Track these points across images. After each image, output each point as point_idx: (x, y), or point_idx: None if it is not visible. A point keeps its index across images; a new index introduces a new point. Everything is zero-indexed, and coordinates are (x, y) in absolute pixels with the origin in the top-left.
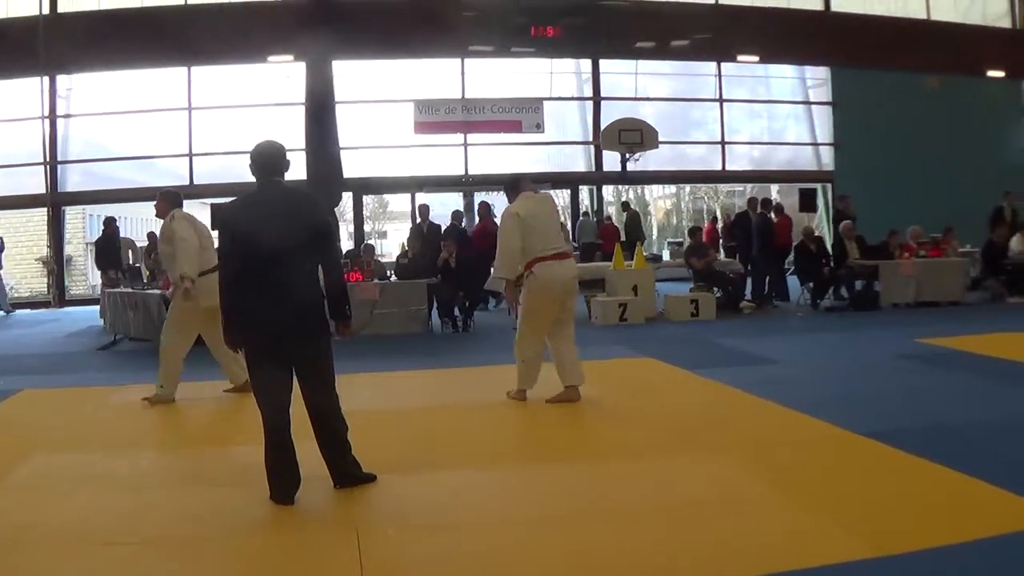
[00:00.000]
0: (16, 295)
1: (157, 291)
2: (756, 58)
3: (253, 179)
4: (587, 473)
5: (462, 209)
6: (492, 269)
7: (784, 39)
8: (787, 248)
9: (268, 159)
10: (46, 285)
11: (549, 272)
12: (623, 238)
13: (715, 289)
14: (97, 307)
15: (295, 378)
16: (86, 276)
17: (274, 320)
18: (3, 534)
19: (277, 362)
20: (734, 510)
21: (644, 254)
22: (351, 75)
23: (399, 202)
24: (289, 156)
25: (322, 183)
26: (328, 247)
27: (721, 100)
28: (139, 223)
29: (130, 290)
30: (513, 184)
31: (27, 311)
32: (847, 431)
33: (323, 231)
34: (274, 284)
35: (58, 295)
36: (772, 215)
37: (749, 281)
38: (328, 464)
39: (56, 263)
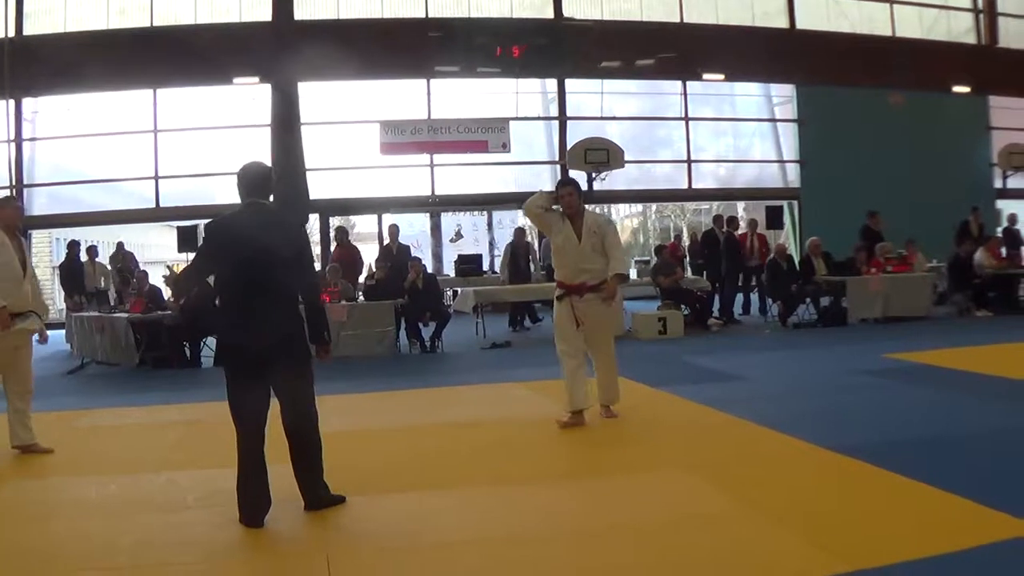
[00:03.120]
0: None
1: (124, 314)
2: (721, 76)
3: (219, 201)
4: (555, 493)
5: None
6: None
7: (749, 57)
8: (761, 266)
9: (254, 179)
10: None
11: None
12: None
13: (683, 307)
14: (63, 331)
15: (273, 398)
16: (53, 300)
17: (256, 340)
18: None
19: (257, 382)
20: (703, 527)
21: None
22: (317, 96)
23: (365, 223)
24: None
25: (288, 204)
26: (308, 269)
27: (687, 119)
28: (108, 246)
29: (97, 314)
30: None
31: None
32: (816, 446)
33: (304, 253)
34: (257, 304)
35: None
36: (747, 232)
37: (716, 298)
38: (300, 486)
39: None
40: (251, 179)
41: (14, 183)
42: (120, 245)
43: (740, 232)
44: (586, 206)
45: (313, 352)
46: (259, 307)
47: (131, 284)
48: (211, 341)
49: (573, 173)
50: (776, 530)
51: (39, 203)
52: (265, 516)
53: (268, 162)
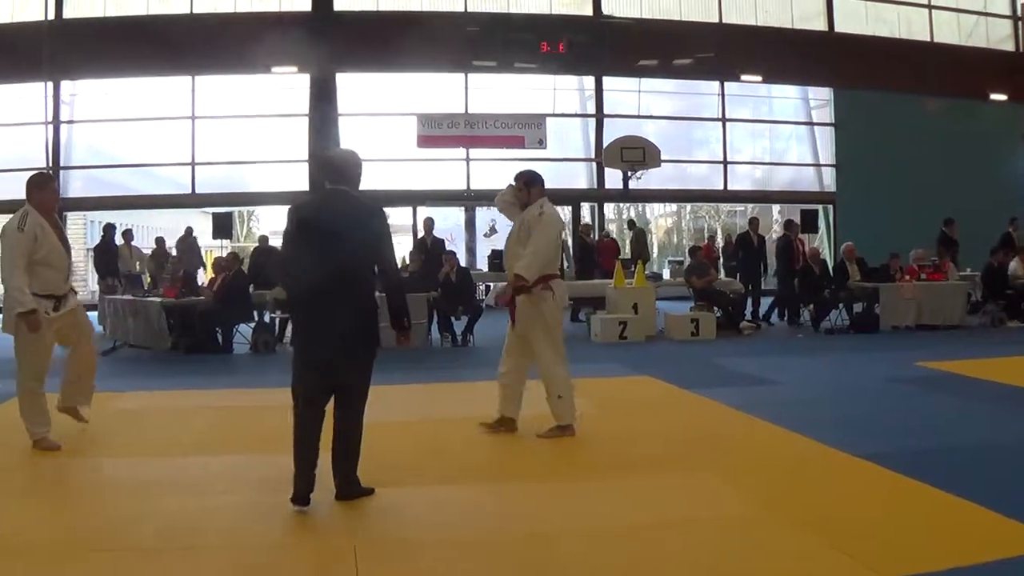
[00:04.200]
0: None
1: (158, 299)
2: (759, 78)
3: (254, 189)
4: (579, 490)
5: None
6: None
7: (787, 59)
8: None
9: (340, 165)
10: None
11: (562, 289)
12: (624, 256)
13: (715, 309)
14: (96, 313)
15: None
16: (86, 282)
17: (325, 331)
18: None
19: (322, 367)
20: (727, 530)
21: (645, 272)
22: (354, 87)
23: (400, 215)
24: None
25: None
26: (388, 256)
27: (724, 119)
28: (143, 230)
29: (131, 297)
30: (536, 181)
31: None
32: (844, 452)
33: (384, 239)
34: (333, 289)
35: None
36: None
37: (749, 301)
38: (335, 474)
39: None
40: (339, 165)
41: (50, 165)
42: (160, 240)
43: (779, 236)
44: (543, 201)
45: (393, 340)
46: (335, 291)
47: (165, 268)
48: (244, 328)
49: (609, 171)
50: (801, 535)
51: (75, 186)
52: (310, 495)
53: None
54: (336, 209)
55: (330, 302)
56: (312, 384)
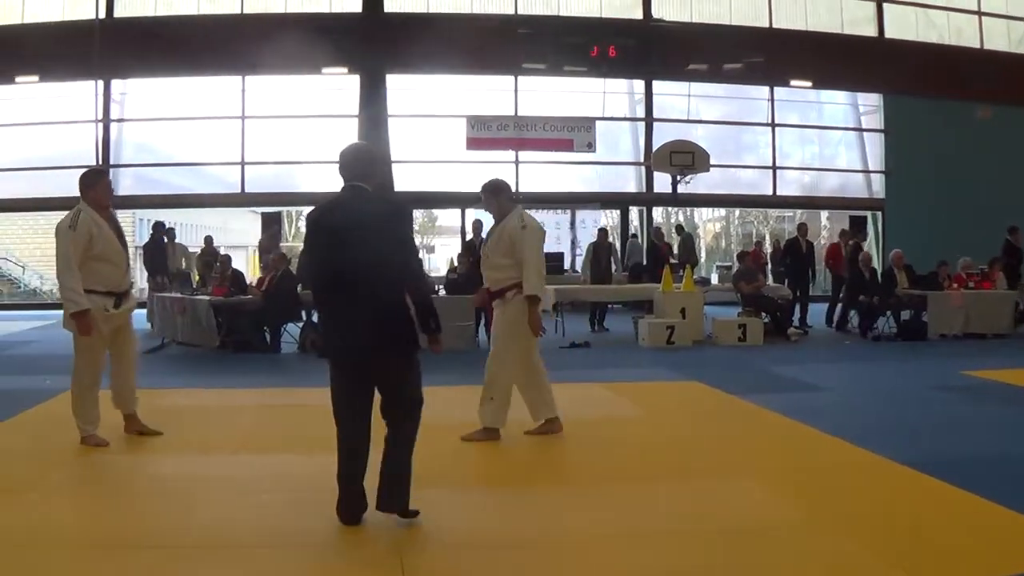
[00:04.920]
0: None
1: (206, 297)
2: (809, 83)
3: (303, 189)
4: (624, 495)
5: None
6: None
7: (837, 64)
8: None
9: (353, 161)
10: None
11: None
12: (674, 260)
13: (763, 314)
14: (144, 310)
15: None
16: (134, 280)
17: (356, 333)
18: (40, 535)
19: (357, 377)
20: (773, 537)
21: (693, 277)
22: (404, 89)
23: (448, 217)
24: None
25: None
26: (411, 256)
27: (773, 124)
28: (191, 228)
29: (179, 295)
30: (501, 189)
31: None
32: (890, 460)
33: (406, 239)
34: (357, 294)
35: None
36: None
37: (797, 307)
38: (381, 485)
39: None
40: (349, 161)
41: (100, 163)
42: (208, 240)
43: (833, 242)
44: (522, 213)
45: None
46: (359, 297)
47: (214, 268)
48: (292, 328)
49: (658, 175)
50: (845, 543)
51: (124, 183)
52: (362, 516)
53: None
54: (349, 207)
55: (348, 302)
56: (343, 388)
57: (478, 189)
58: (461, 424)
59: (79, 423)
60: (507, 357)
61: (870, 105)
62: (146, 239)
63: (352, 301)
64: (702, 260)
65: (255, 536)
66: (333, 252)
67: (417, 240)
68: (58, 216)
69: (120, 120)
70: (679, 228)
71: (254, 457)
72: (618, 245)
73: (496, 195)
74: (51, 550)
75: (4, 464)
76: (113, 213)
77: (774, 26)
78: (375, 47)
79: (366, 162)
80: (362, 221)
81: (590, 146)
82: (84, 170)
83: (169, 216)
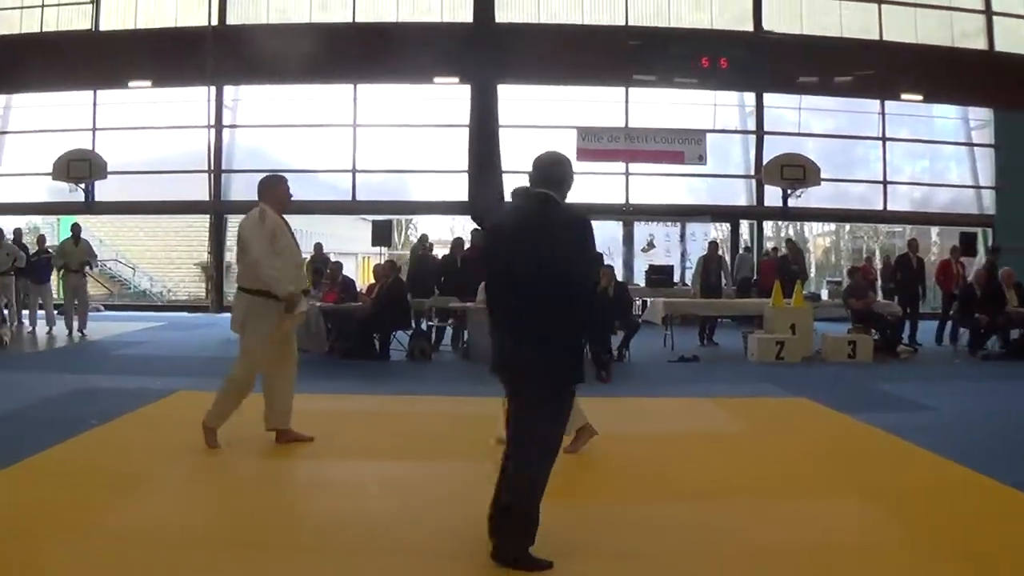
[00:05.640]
0: (174, 298)
1: (317, 302)
2: (919, 97)
3: (414, 198)
4: (728, 510)
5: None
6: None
7: (947, 78)
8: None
9: (539, 169)
10: (204, 290)
11: None
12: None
13: (873, 331)
14: None
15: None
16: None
17: (507, 352)
18: (146, 534)
19: (514, 396)
20: (876, 557)
21: (803, 293)
22: (515, 99)
23: None
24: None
25: (483, 206)
26: (581, 272)
27: (884, 139)
28: (301, 235)
29: None
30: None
31: (184, 315)
32: (998, 482)
33: (576, 256)
34: (513, 309)
35: (216, 301)
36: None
37: (906, 324)
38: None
39: (215, 269)
40: (544, 166)
41: (212, 168)
42: (318, 246)
43: (943, 259)
44: None
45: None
46: (515, 312)
47: (324, 274)
48: (401, 335)
49: (769, 188)
50: (948, 567)
51: (235, 189)
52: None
53: (460, 164)
54: (524, 211)
55: (514, 312)
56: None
57: (588, 200)
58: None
59: (211, 413)
60: None
61: (980, 120)
62: None
63: (509, 316)
64: (812, 275)
65: (364, 539)
66: (504, 256)
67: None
68: (171, 219)
69: (232, 126)
70: (789, 242)
71: (362, 463)
72: (728, 259)
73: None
74: (170, 549)
75: (117, 461)
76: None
77: (884, 39)
78: (486, 57)
79: (559, 170)
80: (534, 230)
81: (701, 159)
82: (265, 174)
83: None
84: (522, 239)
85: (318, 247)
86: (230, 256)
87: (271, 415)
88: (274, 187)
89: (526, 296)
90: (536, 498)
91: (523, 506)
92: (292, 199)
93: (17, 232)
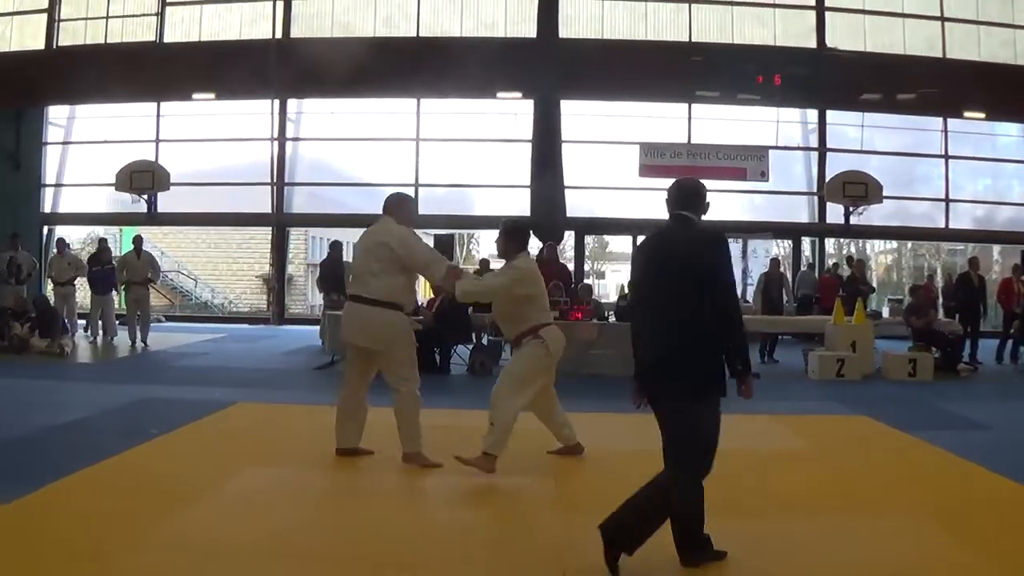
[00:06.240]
0: (235, 310)
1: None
2: (982, 115)
3: (477, 212)
4: (790, 528)
5: None
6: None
7: (1010, 96)
8: None
9: (676, 193)
10: (266, 302)
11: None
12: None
13: (933, 349)
14: (316, 327)
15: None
16: (305, 296)
17: (644, 362)
18: (205, 546)
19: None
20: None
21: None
22: (577, 114)
23: (620, 243)
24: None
25: (544, 220)
26: (720, 292)
27: (947, 156)
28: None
29: None
30: (518, 233)
31: (246, 327)
32: None
33: (715, 274)
34: (651, 322)
35: (277, 313)
36: (1011, 277)
37: (967, 342)
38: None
39: (278, 282)
40: (680, 190)
41: (275, 180)
42: None
43: (1005, 277)
44: (523, 254)
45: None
46: (653, 325)
47: None
48: (463, 349)
49: (831, 205)
50: None
51: (297, 201)
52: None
53: (522, 178)
54: (668, 233)
55: (652, 325)
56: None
57: (650, 216)
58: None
59: (414, 438)
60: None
61: None
62: (319, 257)
63: (647, 327)
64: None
65: (424, 549)
66: (644, 275)
67: (588, 266)
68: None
69: (295, 139)
70: (849, 260)
71: (417, 476)
72: (789, 275)
73: (508, 238)
74: (216, 559)
75: (176, 472)
76: None
77: (948, 56)
78: (549, 72)
79: (693, 193)
80: (674, 248)
81: (763, 175)
82: (391, 192)
83: (340, 235)
84: (671, 256)
85: None
86: (291, 269)
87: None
88: (397, 207)
89: (679, 309)
90: (701, 496)
91: (694, 507)
92: (417, 215)
93: (103, 242)
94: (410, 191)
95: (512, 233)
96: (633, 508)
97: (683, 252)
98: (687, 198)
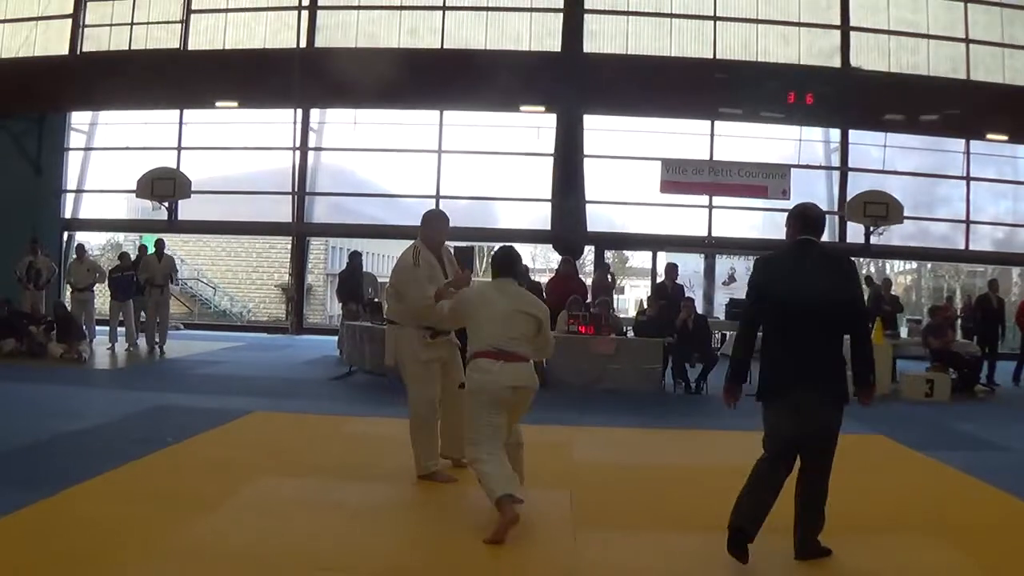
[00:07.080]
0: (253, 319)
1: None
2: (1004, 137)
3: (499, 225)
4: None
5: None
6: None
7: None
8: None
9: (805, 218)
10: (284, 312)
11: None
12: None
13: (951, 370)
14: (335, 337)
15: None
16: (324, 306)
17: (793, 386)
18: (218, 554)
19: (791, 423)
20: None
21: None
22: (600, 129)
23: (639, 259)
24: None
25: (565, 234)
26: (859, 318)
27: (968, 178)
28: (380, 258)
29: (369, 324)
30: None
31: (264, 335)
32: None
33: (855, 300)
34: (801, 349)
35: (296, 322)
36: None
37: (984, 364)
38: (795, 535)
39: (297, 291)
40: (803, 217)
41: (295, 189)
42: None
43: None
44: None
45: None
46: (801, 352)
47: None
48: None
49: (851, 225)
50: None
51: (318, 211)
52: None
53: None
54: (807, 261)
55: (804, 350)
56: (782, 428)
57: (670, 232)
58: (636, 465)
59: (418, 459)
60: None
61: None
62: (338, 267)
63: (795, 346)
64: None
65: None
66: (775, 302)
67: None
68: (253, 239)
69: (317, 148)
70: (868, 280)
71: (431, 488)
72: None
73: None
74: (229, 568)
75: (192, 479)
76: (447, 247)
77: (972, 78)
78: (573, 86)
79: (819, 219)
80: (810, 276)
81: (784, 193)
82: (427, 209)
83: (361, 245)
84: (808, 273)
85: None
86: (311, 279)
87: (445, 444)
88: (426, 226)
89: (819, 323)
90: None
91: (822, 519)
92: (443, 233)
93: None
94: (431, 203)
95: (491, 260)
96: (810, 523)
97: (837, 276)
98: (815, 224)
